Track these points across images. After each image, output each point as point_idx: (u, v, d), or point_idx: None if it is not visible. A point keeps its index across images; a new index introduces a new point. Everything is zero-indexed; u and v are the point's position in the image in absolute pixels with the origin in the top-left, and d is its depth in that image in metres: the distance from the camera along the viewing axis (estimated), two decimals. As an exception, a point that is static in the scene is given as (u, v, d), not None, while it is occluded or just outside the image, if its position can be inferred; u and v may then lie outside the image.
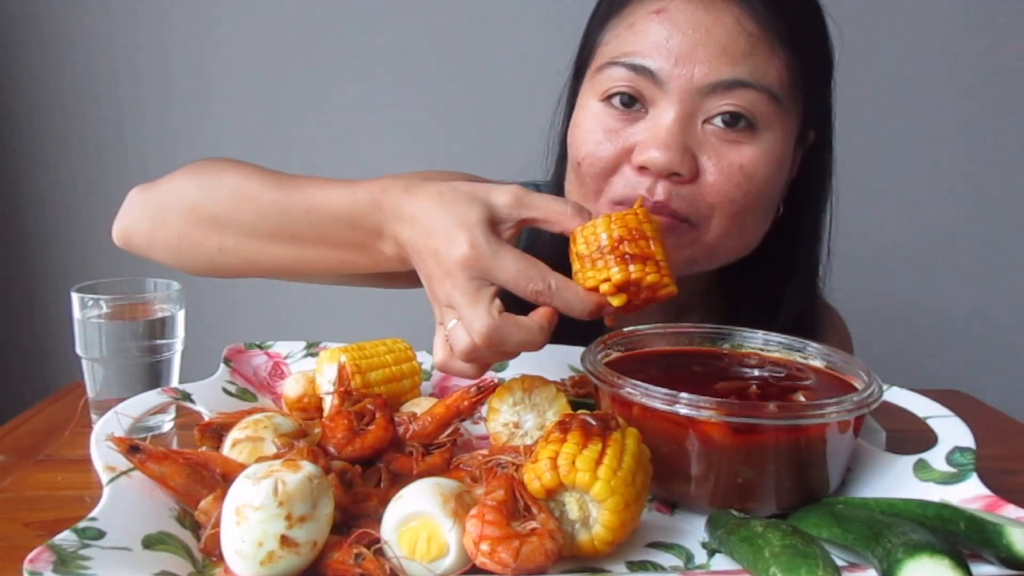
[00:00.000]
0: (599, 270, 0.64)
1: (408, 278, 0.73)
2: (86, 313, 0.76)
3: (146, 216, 0.82)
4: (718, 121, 0.77)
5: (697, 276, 0.89)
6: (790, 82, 0.79)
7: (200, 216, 0.78)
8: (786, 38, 0.78)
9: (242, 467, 0.54)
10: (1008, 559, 0.48)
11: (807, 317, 0.92)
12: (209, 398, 0.71)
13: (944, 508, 0.53)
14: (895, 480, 0.62)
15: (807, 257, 0.92)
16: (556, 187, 0.92)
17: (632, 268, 0.63)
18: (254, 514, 0.47)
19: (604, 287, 0.63)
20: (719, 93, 0.76)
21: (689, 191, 0.77)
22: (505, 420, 0.67)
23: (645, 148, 0.76)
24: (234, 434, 0.60)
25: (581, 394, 0.75)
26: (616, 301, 0.64)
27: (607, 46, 0.82)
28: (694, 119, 0.77)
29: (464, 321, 0.62)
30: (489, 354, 0.64)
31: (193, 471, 0.55)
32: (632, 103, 0.79)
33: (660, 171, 0.76)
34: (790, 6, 0.80)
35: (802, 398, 0.62)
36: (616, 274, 0.63)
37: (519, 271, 0.62)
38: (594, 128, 0.81)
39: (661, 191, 0.76)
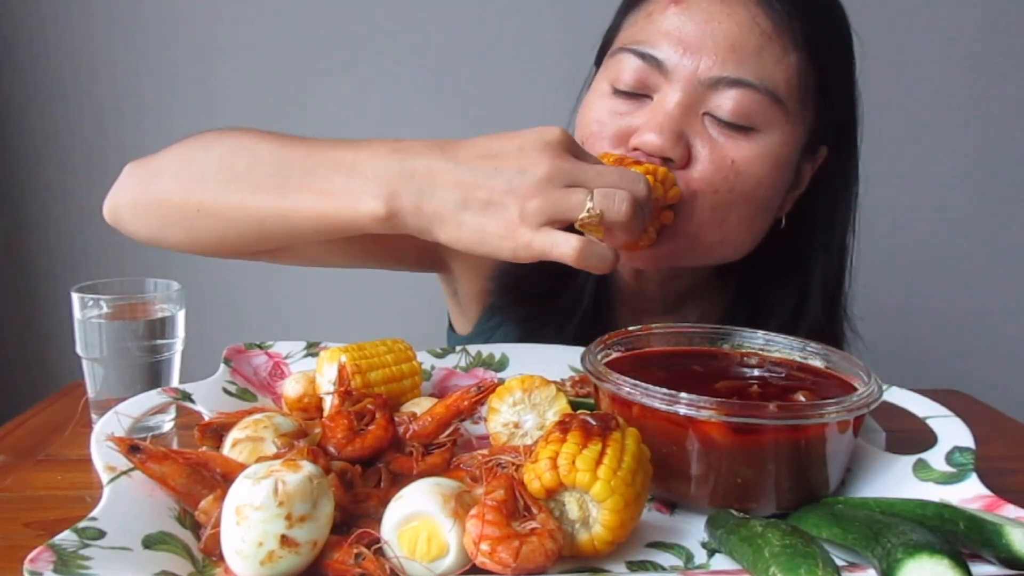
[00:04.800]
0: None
1: (413, 259, 0.70)
2: (86, 313, 0.76)
3: (134, 183, 0.80)
4: (717, 116, 0.77)
5: (692, 272, 0.88)
6: (800, 87, 0.78)
7: (188, 174, 0.76)
8: (801, 41, 0.77)
9: (242, 467, 0.54)
10: (1008, 559, 0.48)
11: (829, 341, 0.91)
12: (209, 398, 0.71)
13: (944, 508, 0.53)
14: (895, 480, 0.62)
15: (823, 280, 0.90)
16: None
17: (644, 166, 0.74)
18: (254, 514, 0.47)
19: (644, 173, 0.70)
20: (721, 89, 0.76)
21: (678, 176, 0.78)
22: (505, 420, 0.67)
23: (642, 132, 0.77)
24: (234, 434, 0.60)
25: (581, 394, 0.75)
26: (660, 191, 0.73)
27: (624, 33, 0.83)
28: (695, 109, 0.77)
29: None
30: (651, 199, 0.67)
31: (193, 471, 0.55)
32: (637, 93, 0.80)
33: (653, 154, 0.77)
34: (811, 8, 0.79)
35: (802, 398, 0.62)
36: (644, 167, 0.73)
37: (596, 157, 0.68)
38: (600, 110, 0.82)
39: None
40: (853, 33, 0.83)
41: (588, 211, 0.61)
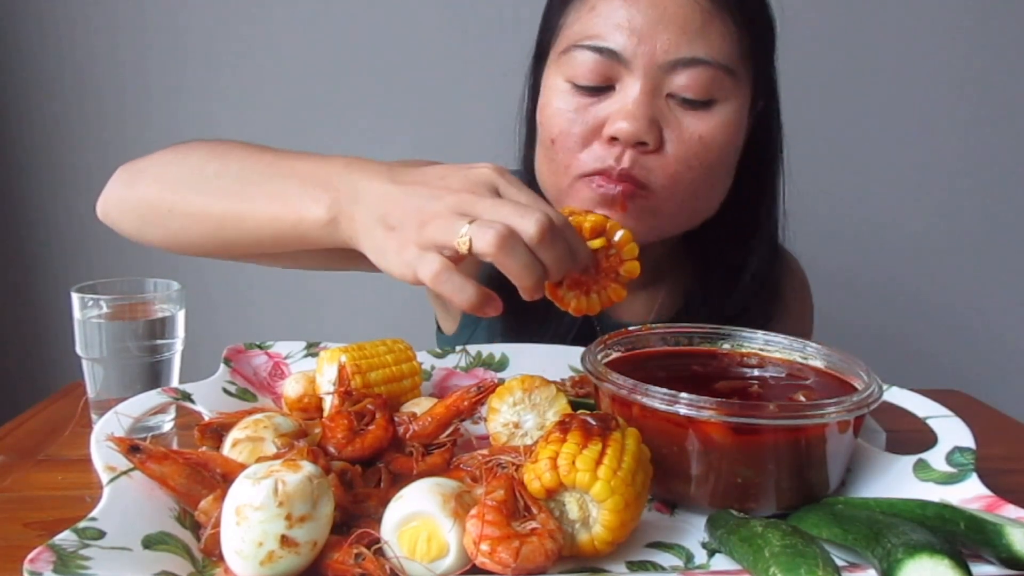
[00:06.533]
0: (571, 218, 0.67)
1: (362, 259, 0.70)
2: (86, 313, 0.76)
3: (120, 184, 0.84)
4: (680, 96, 0.81)
5: (662, 243, 0.93)
6: (742, 54, 0.83)
7: (165, 177, 0.79)
8: (736, 12, 0.82)
9: (242, 467, 0.54)
10: (1008, 559, 0.48)
11: (771, 267, 0.97)
12: (209, 398, 0.71)
13: (944, 508, 0.53)
14: (895, 480, 0.62)
15: (767, 215, 0.96)
16: (527, 171, 0.94)
17: (597, 215, 0.69)
18: (254, 514, 0.47)
19: (587, 223, 0.67)
20: (679, 69, 0.80)
21: (652, 160, 0.81)
22: (505, 420, 0.67)
23: (615, 120, 0.80)
24: (234, 434, 0.60)
25: (581, 394, 0.75)
26: (597, 243, 0.67)
27: (570, 28, 0.85)
28: (659, 92, 0.81)
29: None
30: (555, 242, 0.60)
31: (193, 471, 0.55)
32: (599, 87, 0.82)
33: (628, 140, 0.80)
34: None
35: (802, 398, 0.62)
36: (589, 218, 0.68)
37: (534, 196, 0.63)
38: (564, 107, 0.84)
39: (627, 159, 0.81)
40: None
41: (461, 237, 0.58)
